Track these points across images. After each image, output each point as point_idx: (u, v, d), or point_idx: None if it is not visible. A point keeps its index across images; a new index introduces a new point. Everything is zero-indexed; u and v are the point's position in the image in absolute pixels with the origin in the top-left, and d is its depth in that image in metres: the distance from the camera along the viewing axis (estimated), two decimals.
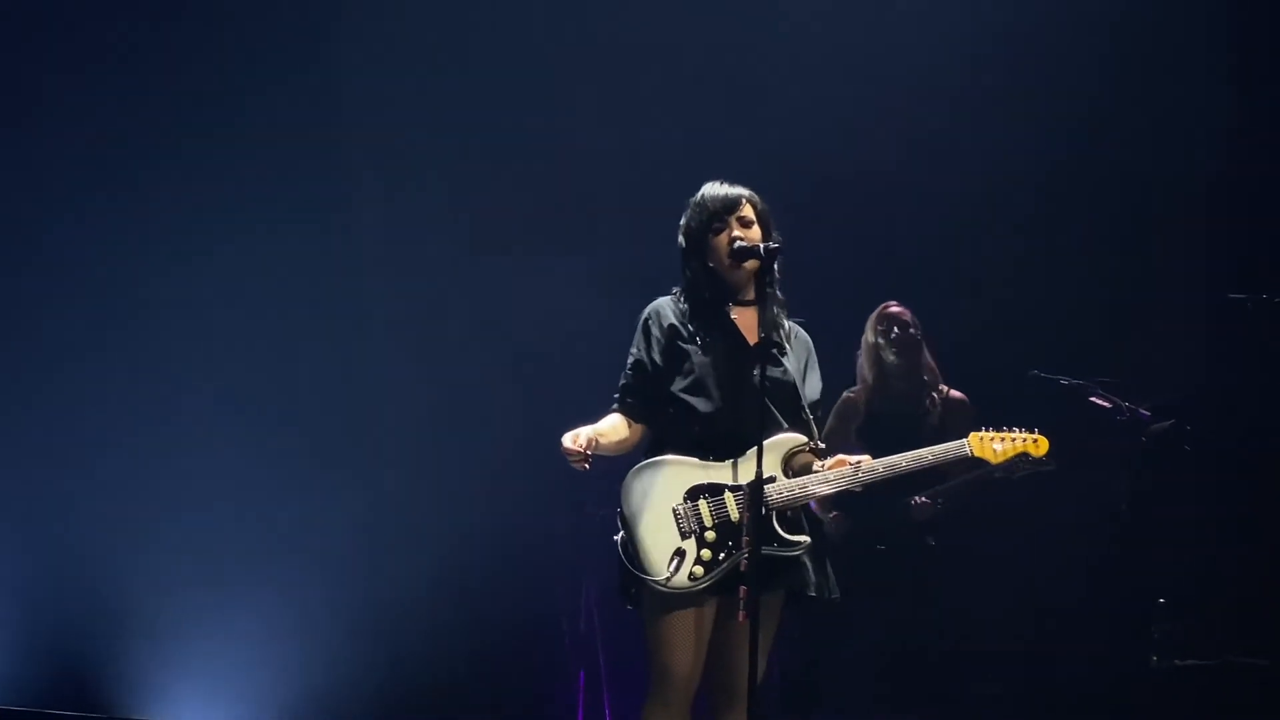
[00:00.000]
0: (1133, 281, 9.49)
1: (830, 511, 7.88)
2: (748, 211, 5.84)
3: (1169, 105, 9.52)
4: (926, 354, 8.50)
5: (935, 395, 8.46)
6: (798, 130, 9.55)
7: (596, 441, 5.65)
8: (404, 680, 8.98)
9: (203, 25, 9.35)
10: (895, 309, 8.47)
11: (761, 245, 5.73)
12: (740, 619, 5.33)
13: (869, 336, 8.48)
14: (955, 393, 8.53)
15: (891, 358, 8.41)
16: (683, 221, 5.91)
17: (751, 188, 5.94)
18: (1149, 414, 8.34)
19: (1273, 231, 9.31)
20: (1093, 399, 8.42)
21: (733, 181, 5.92)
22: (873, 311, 8.52)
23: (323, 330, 9.26)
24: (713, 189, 5.89)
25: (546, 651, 9.19)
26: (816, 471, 5.64)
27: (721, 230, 5.81)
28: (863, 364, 8.51)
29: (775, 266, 5.78)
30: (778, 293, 5.83)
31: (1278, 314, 8.58)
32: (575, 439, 5.62)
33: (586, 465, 5.62)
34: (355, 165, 9.48)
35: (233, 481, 8.97)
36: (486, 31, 9.58)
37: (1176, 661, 8.26)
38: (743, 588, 5.34)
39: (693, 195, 5.93)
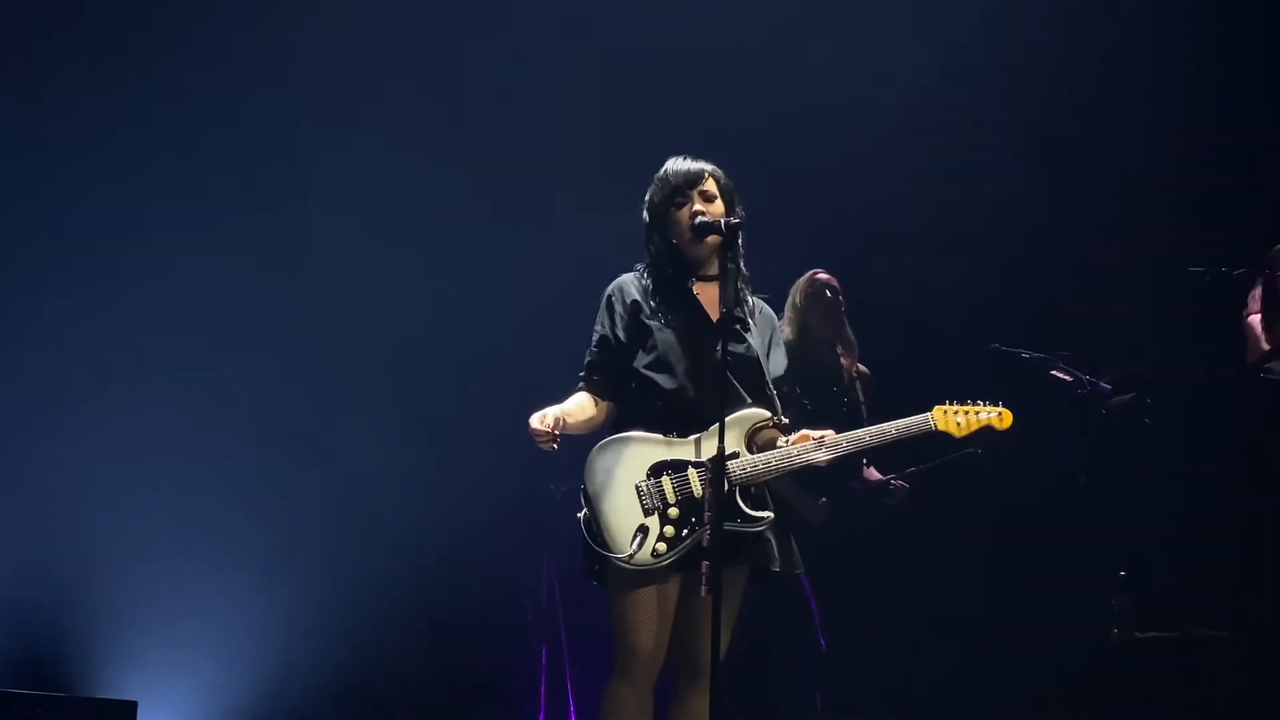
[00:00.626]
0: (1093, 255, 9.53)
1: (819, 497, 7.87)
2: (710, 186, 5.81)
3: (1130, 86, 9.60)
4: (848, 326, 8.45)
5: (853, 369, 8.39)
6: (776, 110, 9.64)
7: (564, 421, 5.60)
8: (366, 656, 8.96)
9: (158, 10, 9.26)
10: (823, 276, 8.38)
11: (723, 220, 5.69)
12: (703, 594, 5.31)
13: (795, 300, 8.36)
14: (862, 366, 8.48)
15: (815, 323, 8.32)
16: (646, 196, 5.87)
17: (725, 165, 5.91)
18: (1109, 387, 8.36)
19: (1230, 206, 9.37)
20: (1054, 372, 8.43)
21: (698, 156, 5.88)
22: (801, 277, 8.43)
23: (286, 316, 9.21)
24: (676, 163, 5.85)
25: (509, 629, 9.17)
26: (780, 447, 5.60)
27: (684, 204, 5.77)
28: (784, 328, 8.39)
29: (739, 241, 5.74)
30: (741, 268, 5.80)
31: (1235, 287, 8.65)
32: (543, 419, 5.57)
33: (554, 446, 5.58)
34: (315, 155, 9.39)
35: (194, 462, 8.91)
36: (461, 19, 9.54)
37: (1136, 634, 8.29)
38: (705, 563, 5.32)
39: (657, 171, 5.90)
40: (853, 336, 8.42)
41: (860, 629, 8.44)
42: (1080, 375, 8.38)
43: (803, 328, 8.35)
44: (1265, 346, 8.62)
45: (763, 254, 5.98)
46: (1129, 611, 8.29)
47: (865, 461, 8.01)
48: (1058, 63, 9.65)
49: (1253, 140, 9.48)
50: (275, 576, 8.92)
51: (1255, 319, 8.74)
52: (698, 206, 5.76)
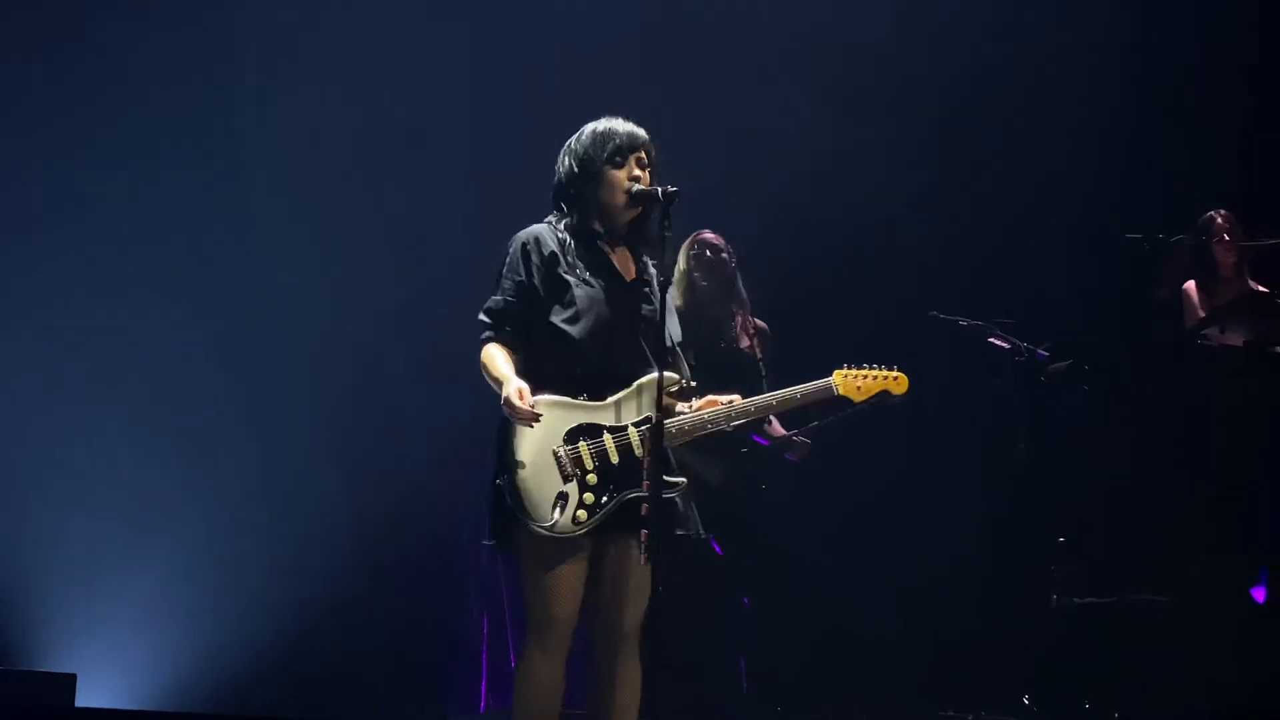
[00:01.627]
0: (1031, 221, 9.56)
1: (715, 461, 7.82)
2: (645, 156, 5.75)
3: (1069, 46, 9.61)
4: (740, 284, 8.28)
5: (749, 325, 8.25)
6: (710, 84, 9.65)
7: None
8: (306, 625, 8.91)
9: None
10: (708, 235, 8.19)
11: (660, 189, 5.61)
12: (640, 562, 5.34)
13: (681, 264, 8.14)
14: (760, 321, 8.33)
15: (704, 284, 8.12)
16: (577, 147, 5.76)
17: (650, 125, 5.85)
18: (1047, 353, 8.40)
19: (1168, 171, 9.42)
20: (991, 340, 8.46)
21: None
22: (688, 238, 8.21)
23: (219, 286, 9.14)
24: (618, 123, 5.77)
25: (450, 598, 9.16)
26: (690, 412, 5.63)
27: (621, 166, 5.70)
28: (673, 292, 8.05)
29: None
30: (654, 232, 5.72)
31: (1172, 253, 8.71)
32: (522, 395, 5.47)
33: (537, 421, 5.51)
34: (250, 143, 9.34)
35: (129, 431, 8.84)
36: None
37: (1076, 600, 8.34)
38: (644, 531, 5.32)
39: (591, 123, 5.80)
40: (744, 293, 8.26)
41: (786, 593, 8.47)
42: (1018, 342, 8.41)
43: (691, 289, 8.13)
44: (1201, 313, 8.69)
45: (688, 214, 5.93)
46: (1069, 577, 8.35)
47: (770, 419, 7.91)
48: (990, 27, 9.67)
49: (1190, 105, 9.53)
50: (214, 546, 8.86)
51: (1192, 285, 8.81)
52: (636, 172, 5.71)
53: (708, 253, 8.15)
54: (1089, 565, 8.47)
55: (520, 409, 5.47)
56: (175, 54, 9.16)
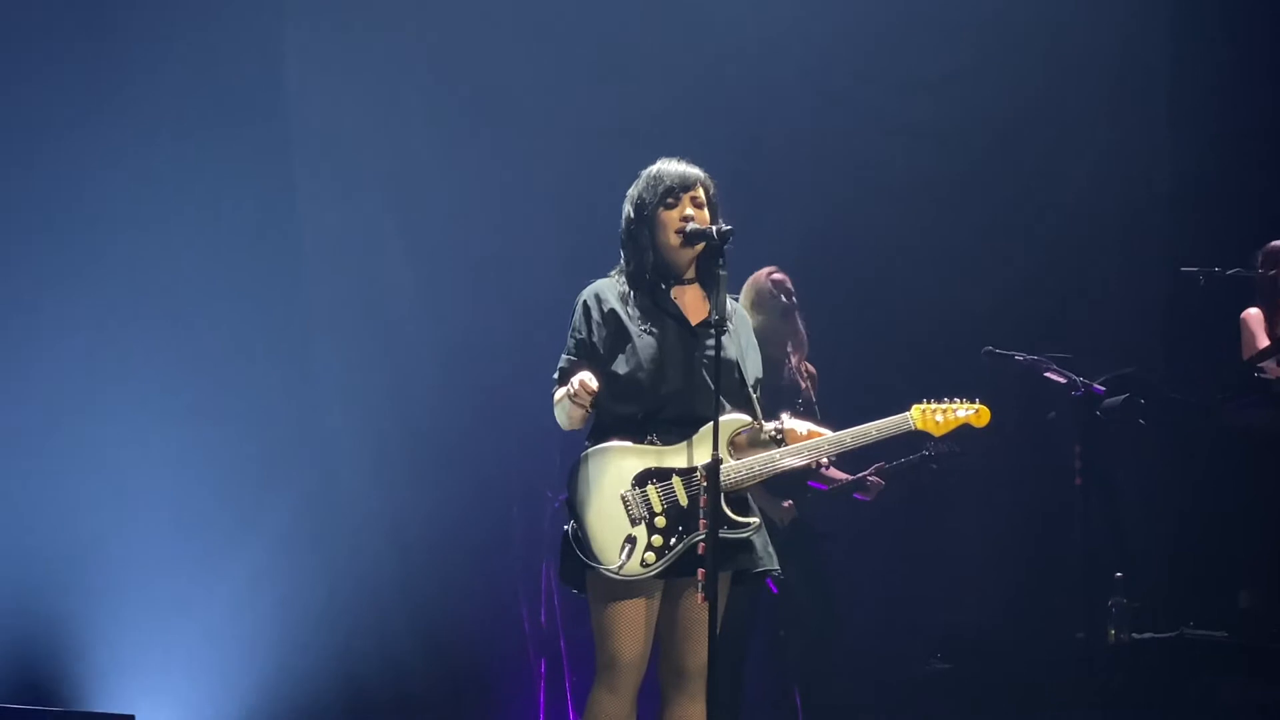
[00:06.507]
0: (1085, 255, 9.55)
1: (783, 500, 7.77)
2: (700, 193, 5.75)
3: (1123, 90, 9.61)
4: (800, 324, 8.12)
5: (803, 367, 8.10)
6: (757, 106, 9.65)
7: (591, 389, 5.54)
8: (362, 668, 8.90)
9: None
10: (779, 275, 8.03)
11: (713, 228, 5.64)
12: (699, 601, 5.28)
13: (750, 299, 7.96)
14: (810, 365, 8.14)
15: (771, 323, 7.87)
16: (633, 192, 5.79)
17: (707, 160, 5.84)
18: (1103, 388, 8.38)
19: (1223, 206, 9.40)
20: (1047, 374, 8.45)
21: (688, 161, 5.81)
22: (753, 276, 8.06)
23: (266, 320, 9.07)
24: (669, 164, 5.79)
25: (507, 641, 9.13)
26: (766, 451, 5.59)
27: (674, 206, 5.70)
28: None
29: (725, 249, 5.70)
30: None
31: (1229, 287, 8.68)
32: (591, 380, 5.50)
33: (588, 409, 5.55)
34: (299, 153, 9.32)
35: (185, 474, 8.81)
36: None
37: (1134, 635, 8.30)
38: (700, 570, 5.29)
39: (646, 168, 5.81)
40: (804, 334, 8.15)
41: (846, 629, 8.43)
42: (1074, 377, 8.39)
43: (757, 327, 7.97)
44: (1261, 344, 8.66)
45: (742, 253, 5.91)
46: (1126, 612, 8.31)
47: (826, 463, 7.72)
48: (1045, 59, 9.66)
49: (1243, 138, 9.51)
50: (269, 585, 8.82)
51: (1252, 314, 8.78)
52: (688, 211, 5.71)
53: (783, 297, 8.02)
54: (1146, 600, 8.43)
55: (587, 385, 5.48)
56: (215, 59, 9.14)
